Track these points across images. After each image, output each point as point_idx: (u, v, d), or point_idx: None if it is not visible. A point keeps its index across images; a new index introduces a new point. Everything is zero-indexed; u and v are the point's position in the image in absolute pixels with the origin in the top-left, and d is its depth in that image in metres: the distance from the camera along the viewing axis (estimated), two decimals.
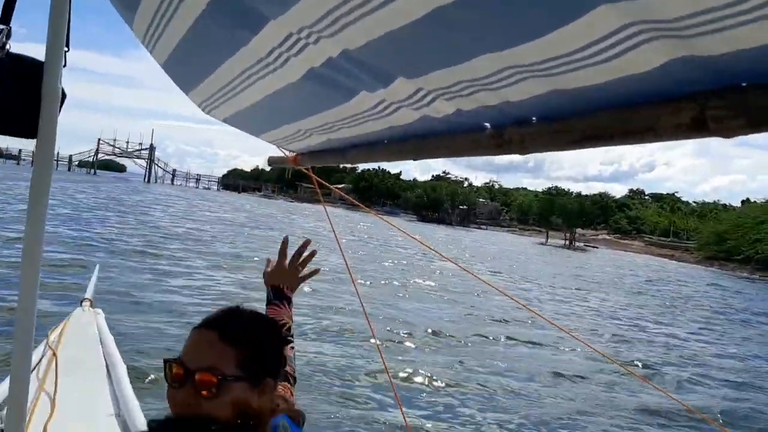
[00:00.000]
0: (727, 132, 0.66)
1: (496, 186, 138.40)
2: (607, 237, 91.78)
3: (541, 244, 72.25)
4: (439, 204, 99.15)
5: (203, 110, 2.03)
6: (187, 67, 1.71)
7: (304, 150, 2.17)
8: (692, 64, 0.67)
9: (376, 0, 0.81)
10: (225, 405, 1.12)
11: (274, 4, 1.02)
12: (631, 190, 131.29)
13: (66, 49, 1.62)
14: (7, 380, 1.50)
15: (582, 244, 79.44)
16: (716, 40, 0.61)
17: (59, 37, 1.59)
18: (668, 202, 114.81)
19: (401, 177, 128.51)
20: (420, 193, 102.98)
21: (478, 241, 58.00)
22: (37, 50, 1.63)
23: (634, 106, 0.78)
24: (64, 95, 1.63)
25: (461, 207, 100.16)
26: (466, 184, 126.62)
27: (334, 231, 2.10)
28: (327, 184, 2.76)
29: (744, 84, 0.64)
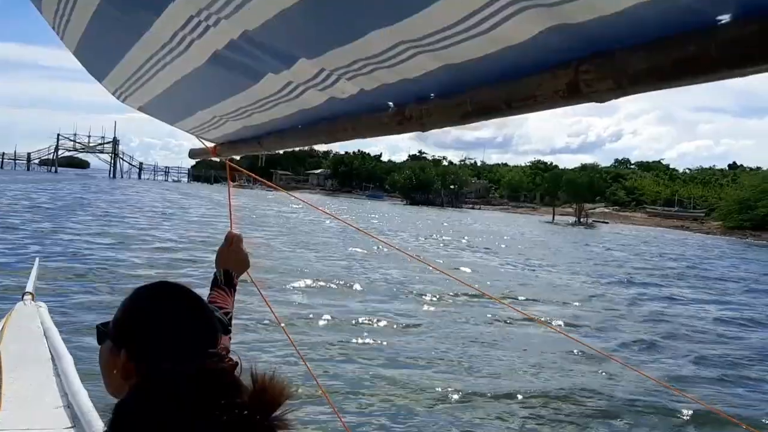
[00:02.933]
0: (599, 95, 0.68)
1: (471, 163, 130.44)
2: (606, 210, 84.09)
3: (549, 222, 66.41)
4: (429, 185, 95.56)
5: (118, 98, 1.98)
6: (97, 53, 1.67)
7: (222, 139, 2.14)
8: (565, 33, 0.69)
9: None
10: (100, 356, 1.15)
11: None
12: (617, 160, 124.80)
13: None
14: None
15: (591, 219, 72.34)
16: (582, 8, 0.63)
17: None
18: (662, 170, 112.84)
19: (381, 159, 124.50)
20: (408, 174, 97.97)
21: (480, 222, 53.78)
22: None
23: (518, 77, 0.80)
24: None
25: (451, 187, 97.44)
26: (445, 162, 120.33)
27: (231, 220, 2.08)
28: (245, 171, 2.75)
29: (613, 48, 0.66)
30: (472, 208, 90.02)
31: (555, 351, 9.34)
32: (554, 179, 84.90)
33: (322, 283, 14.03)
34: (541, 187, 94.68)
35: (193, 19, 1.09)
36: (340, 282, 14.48)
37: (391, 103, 1.08)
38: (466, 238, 32.35)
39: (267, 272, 13.97)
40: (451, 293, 13.48)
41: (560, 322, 11.56)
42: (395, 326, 10.67)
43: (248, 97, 1.42)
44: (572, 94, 0.69)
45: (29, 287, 5.09)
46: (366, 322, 10.70)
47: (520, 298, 14.41)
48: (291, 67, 1.11)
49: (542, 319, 10.57)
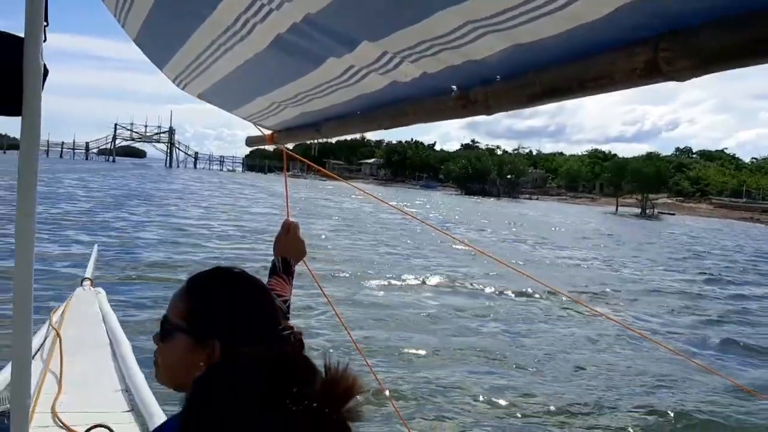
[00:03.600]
0: (680, 74, 0.65)
1: (525, 152, 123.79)
2: (668, 200, 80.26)
3: (612, 213, 63.46)
4: (485, 175, 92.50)
5: (178, 86, 2.01)
6: (159, 40, 1.69)
7: (279, 127, 2.15)
8: (643, 8, 0.66)
9: None
10: (169, 353, 1.13)
11: None
12: (678, 149, 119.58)
13: (45, 23, 1.59)
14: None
15: (656, 211, 68.89)
16: None
17: (37, 12, 1.57)
18: (726, 159, 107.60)
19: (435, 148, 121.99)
20: (464, 163, 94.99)
21: (543, 213, 51.19)
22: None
23: (590, 56, 0.77)
24: (46, 71, 1.61)
25: (508, 177, 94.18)
26: (499, 152, 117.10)
27: (288, 208, 2.09)
28: (299, 157, 2.75)
29: (694, 25, 0.63)
30: (530, 198, 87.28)
31: (661, 365, 8.48)
32: (618, 168, 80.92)
33: (378, 276, 13.56)
34: (602, 176, 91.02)
35: (257, 2, 1.09)
36: (402, 275, 13.92)
37: (454, 87, 1.06)
38: (534, 232, 30.07)
39: (324, 262, 13.93)
40: (533, 294, 12.58)
41: (663, 331, 10.57)
42: (468, 326, 10.00)
43: (308, 82, 1.41)
44: (651, 72, 0.67)
45: (88, 273, 5.28)
46: (433, 318, 10.17)
47: (612, 302, 13.21)
48: (353, 50, 1.10)
49: (645, 332, 9.26)
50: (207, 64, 1.61)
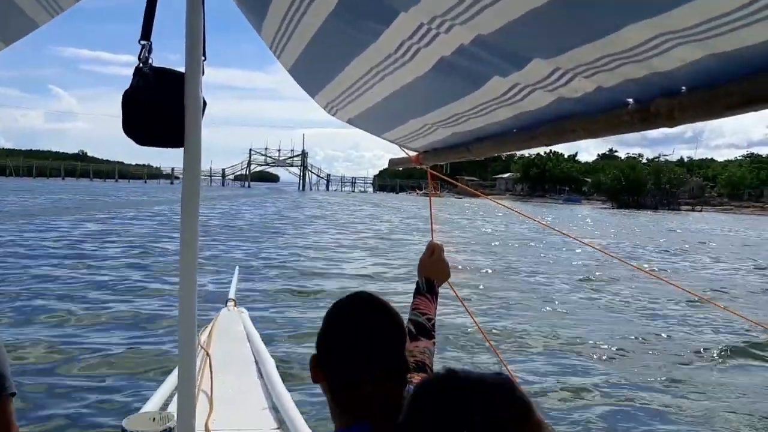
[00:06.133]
0: None
1: (665, 159, 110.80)
2: None
3: None
4: (641, 185, 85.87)
5: (328, 112, 2.07)
6: (314, 69, 1.74)
7: (427, 148, 2.15)
8: None
9: None
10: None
11: None
12: None
13: (203, 58, 1.70)
14: (167, 382, 1.63)
15: None
16: None
17: (196, 48, 1.68)
18: None
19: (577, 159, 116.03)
20: (616, 174, 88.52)
21: (729, 227, 45.07)
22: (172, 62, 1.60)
23: None
24: (204, 103, 1.72)
25: (664, 187, 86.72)
26: (644, 160, 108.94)
27: (432, 229, 2.10)
28: (445, 177, 2.71)
29: None
30: (692, 210, 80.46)
31: None
32: None
33: (529, 300, 12.66)
34: None
35: (423, 27, 1.09)
36: (561, 301, 12.74)
37: (630, 99, 1.01)
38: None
39: (470, 284, 13.62)
40: None
41: None
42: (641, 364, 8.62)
43: (468, 102, 1.40)
44: None
45: (231, 294, 5.50)
46: (599, 351, 9.09)
47: None
48: (522, 68, 1.07)
49: None
50: (361, 90, 1.64)
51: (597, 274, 17.02)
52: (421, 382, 0.92)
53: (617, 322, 11.35)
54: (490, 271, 17.11)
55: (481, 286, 14.01)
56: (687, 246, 28.99)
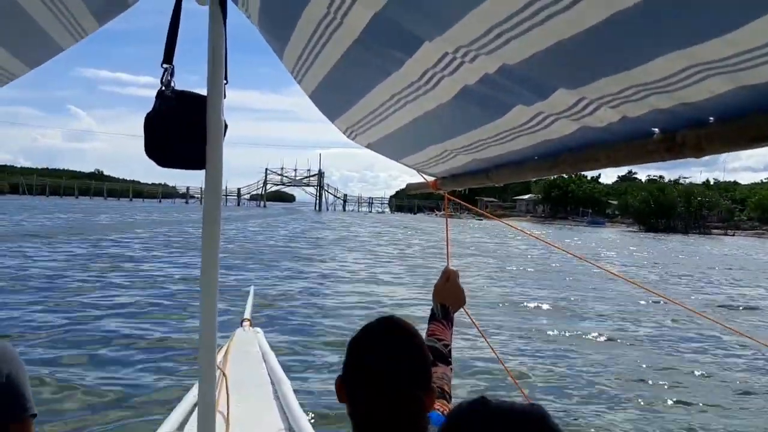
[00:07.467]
0: None
1: (688, 182, 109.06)
2: None
3: None
4: (672, 208, 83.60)
5: (347, 136, 2.09)
6: (336, 94, 1.76)
7: (444, 174, 2.16)
8: None
9: (549, 9, 0.78)
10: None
11: (433, 26, 1.01)
12: None
13: (225, 81, 1.72)
14: (184, 402, 1.62)
15: None
16: None
17: (218, 72, 1.71)
18: None
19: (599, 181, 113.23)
20: (644, 196, 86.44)
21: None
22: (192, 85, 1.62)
23: None
24: (226, 126, 1.74)
25: (695, 211, 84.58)
26: (666, 182, 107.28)
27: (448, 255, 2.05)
28: (462, 202, 2.68)
29: None
30: (725, 234, 77.96)
31: None
32: None
33: (549, 329, 11.79)
34: None
35: (448, 56, 1.09)
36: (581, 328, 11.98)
37: (656, 129, 1.01)
38: None
39: (487, 311, 13.16)
40: None
41: None
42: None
43: (489, 130, 1.40)
44: None
45: (246, 314, 5.42)
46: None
47: None
48: (547, 98, 1.08)
49: None
50: (383, 117, 1.65)
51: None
52: (454, 409, 0.93)
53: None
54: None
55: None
56: (722, 272, 26.98)
